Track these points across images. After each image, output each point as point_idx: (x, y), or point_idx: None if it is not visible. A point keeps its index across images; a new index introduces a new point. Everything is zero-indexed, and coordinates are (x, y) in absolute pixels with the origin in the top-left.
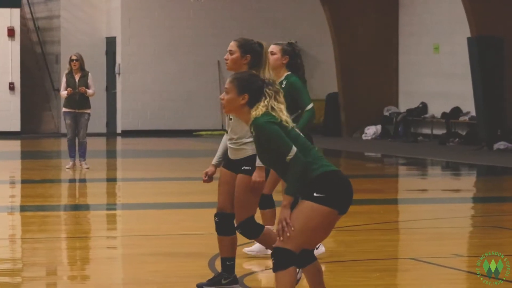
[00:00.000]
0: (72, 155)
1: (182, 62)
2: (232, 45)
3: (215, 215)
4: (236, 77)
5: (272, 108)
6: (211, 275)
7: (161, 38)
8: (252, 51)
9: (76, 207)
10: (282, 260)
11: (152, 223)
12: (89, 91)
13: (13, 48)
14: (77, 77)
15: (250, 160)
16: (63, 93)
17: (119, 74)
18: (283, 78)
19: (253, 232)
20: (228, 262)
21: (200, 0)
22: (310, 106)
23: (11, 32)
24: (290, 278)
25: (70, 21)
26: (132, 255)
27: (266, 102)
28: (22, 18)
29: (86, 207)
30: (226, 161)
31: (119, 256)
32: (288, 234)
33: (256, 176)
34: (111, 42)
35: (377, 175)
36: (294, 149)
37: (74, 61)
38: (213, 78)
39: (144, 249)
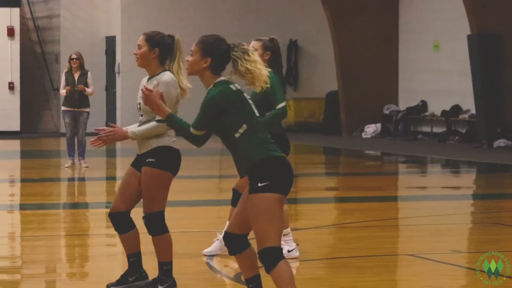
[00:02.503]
0: (71, 154)
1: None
2: (141, 39)
3: (109, 215)
4: (201, 40)
5: (247, 69)
6: (208, 272)
7: None
8: (160, 44)
9: (75, 205)
10: (269, 259)
11: None
12: (88, 90)
13: (13, 48)
14: (76, 76)
15: (154, 152)
16: (62, 91)
17: (119, 73)
18: None
19: (156, 228)
20: (132, 258)
21: None
22: (281, 104)
23: (10, 32)
24: (285, 271)
25: (70, 20)
26: None
27: (240, 66)
28: (22, 17)
29: (85, 206)
30: (134, 159)
31: (119, 253)
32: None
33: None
34: (111, 42)
35: (377, 173)
36: (200, 132)
37: (74, 60)
38: None
39: (144, 247)
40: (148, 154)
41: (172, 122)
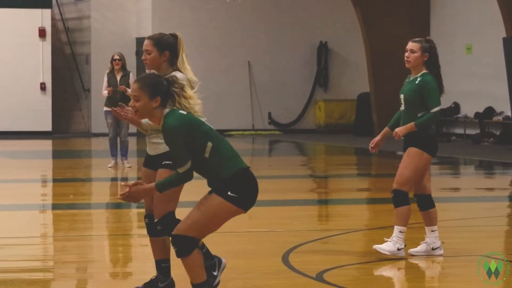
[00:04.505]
0: (114, 154)
1: (213, 62)
2: (148, 44)
3: (145, 217)
4: (143, 83)
5: (185, 107)
6: (288, 271)
7: (191, 38)
8: (169, 47)
9: (118, 206)
10: (185, 246)
11: None
12: (130, 91)
13: (44, 49)
14: (118, 77)
15: (169, 154)
16: (104, 92)
17: None
18: (419, 75)
19: (173, 228)
20: (164, 264)
21: (237, 0)
22: (435, 109)
23: (42, 33)
24: (199, 256)
25: (100, 22)
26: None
27: (177, 103)
28: (52, 19)
29: (128, 205)
30: (145, 159)
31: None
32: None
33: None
34: (141, 43)
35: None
36: (187, 166)
37: (117, 61)
38: (243, 78)
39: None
40: (164, 156)
41: (164, 187)
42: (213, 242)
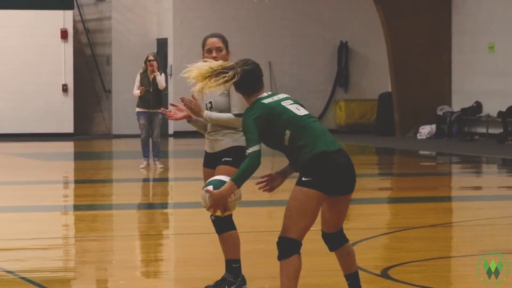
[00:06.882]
0: (146, 155)
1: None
2: (218, 42)
3: (211, 215)
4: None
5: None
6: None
7: None
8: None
9: (150, 206)
10: (285, 249)
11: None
12: (161, 81)
13: (66, 50)
14: (151, 77)
15: (230, 152)
16: (136, 91)
17: (171, 75)
18: None
19: (221, 226)
20: (234, 264)
21: (264, 0)
22: None
23: (64, 34)
24: (294, 266)
25: (121, 23)
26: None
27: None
28: (73, 20)
29: (160, 206)
30: (205, 159)
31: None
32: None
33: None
34: (162, 44)
35: (437, 173)
36: (255, 149)
37: (151, 61)
38: (264, 78)
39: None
40: (224, 153)
41: (240, 179)
42: (265, 241)
